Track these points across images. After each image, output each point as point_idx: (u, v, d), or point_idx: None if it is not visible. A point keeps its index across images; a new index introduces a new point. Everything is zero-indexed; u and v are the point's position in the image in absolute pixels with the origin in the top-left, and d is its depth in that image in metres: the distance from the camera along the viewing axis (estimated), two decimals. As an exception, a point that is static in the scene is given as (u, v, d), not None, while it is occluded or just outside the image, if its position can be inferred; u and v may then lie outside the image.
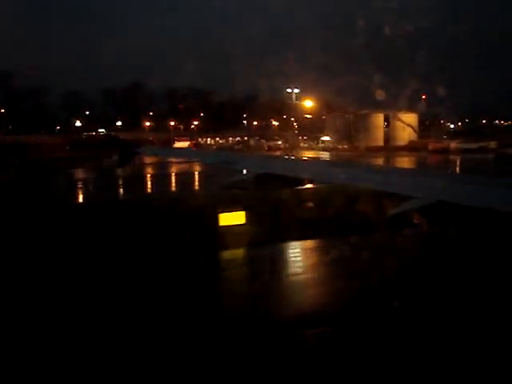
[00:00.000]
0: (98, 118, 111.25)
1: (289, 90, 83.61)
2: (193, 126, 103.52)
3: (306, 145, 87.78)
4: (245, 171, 7.77)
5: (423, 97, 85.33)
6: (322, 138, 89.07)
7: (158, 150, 26.64)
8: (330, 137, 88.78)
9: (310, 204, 24.14)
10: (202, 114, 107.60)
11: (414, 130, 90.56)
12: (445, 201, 4.67)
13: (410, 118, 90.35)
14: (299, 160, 22.05)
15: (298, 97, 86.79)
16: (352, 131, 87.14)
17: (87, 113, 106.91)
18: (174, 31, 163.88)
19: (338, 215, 20.63)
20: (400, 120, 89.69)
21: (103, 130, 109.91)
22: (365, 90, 73.47)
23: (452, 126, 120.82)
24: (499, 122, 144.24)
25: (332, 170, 7.75)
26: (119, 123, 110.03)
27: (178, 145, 77.48)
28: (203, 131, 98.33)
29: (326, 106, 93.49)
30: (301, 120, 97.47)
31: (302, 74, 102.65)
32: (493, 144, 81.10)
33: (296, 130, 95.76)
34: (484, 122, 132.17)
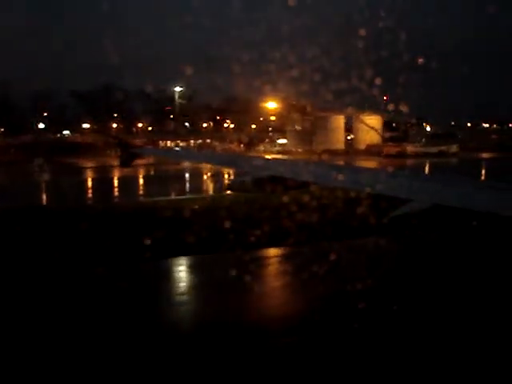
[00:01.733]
0: (68, 121, 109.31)
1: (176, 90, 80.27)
2: (150, 128, 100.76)
3: (262, 148, 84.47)
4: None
5: (385, 98, 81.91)
6: (278, 141, 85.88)
7: (159, 151, 26.83)
8: (287, 139, 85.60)
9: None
10: (171, 116, 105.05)
11: (378, 133, 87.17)
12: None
13: (374, 120, 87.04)
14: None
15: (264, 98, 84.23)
16: (311, 133, 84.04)
17: (45, 114, 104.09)
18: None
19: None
20: (363, 122, 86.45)
21: (68, 133, 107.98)
22: (332, 92, 70.21)
23: (429, 128, 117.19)
24: (483, 125, 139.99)
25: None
26: (87, 125, 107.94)
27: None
28: (164, 134, 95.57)
29: (292, 108, 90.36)
30: (264, 122, 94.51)
31: (267, 75, 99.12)
32: (454, 148, 77.78)
33: (256, 131, 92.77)
34: (469, 125, 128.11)
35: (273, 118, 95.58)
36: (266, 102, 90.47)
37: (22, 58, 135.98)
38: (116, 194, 37.36)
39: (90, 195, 37.54)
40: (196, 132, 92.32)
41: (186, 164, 46.38)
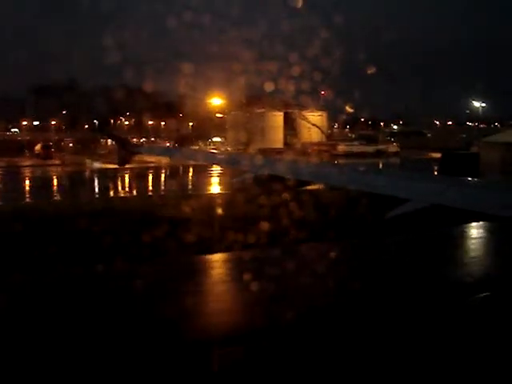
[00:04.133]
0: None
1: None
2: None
3: (197, 146, 79.46)
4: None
5: (322, 92, 76.64)
6: (213, 139, 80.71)
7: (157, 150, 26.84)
8: (222, 138, 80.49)
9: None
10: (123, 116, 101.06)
11: (322, 131, 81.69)
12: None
13: (317, 117, 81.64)
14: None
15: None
16: (249, 132, 78.86)
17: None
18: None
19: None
20: (305, 119, 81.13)
21: (16, 130, 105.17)
22: (274, 88, 65.39)
23: (395, 127, 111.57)
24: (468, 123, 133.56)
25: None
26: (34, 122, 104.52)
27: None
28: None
29: (232, 104, 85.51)
30: (205, 120, 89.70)
31: (211, 70, 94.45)
32: (394, 147, 72.12)
33: (197, 129, 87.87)
34: (438, 123, 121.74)
35: (219, 115, 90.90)
36: (211, 98, 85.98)
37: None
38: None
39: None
40: (140, 129, 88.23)
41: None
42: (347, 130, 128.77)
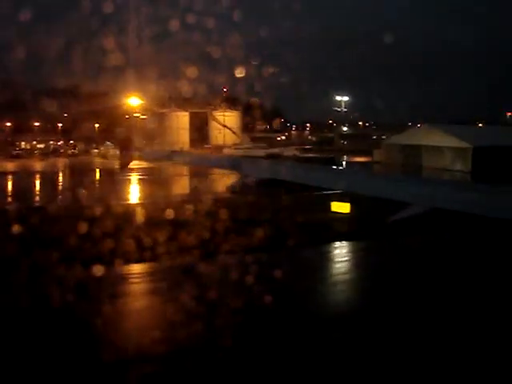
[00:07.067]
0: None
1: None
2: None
3: (96, 150, 75.01)
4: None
5: (224, 89, 71.98)
6: (107, 144, 75.92)
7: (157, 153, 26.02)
8: (112, 142, 75.98)
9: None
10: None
11: (233, 132, 76.88)
12: None
13: (229, 117, 76.91)
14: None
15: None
16: (151, 133, 74.73)
17: None
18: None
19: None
20: (215, 120, 76.57)
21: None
22: (184, 87, 61.48)
23: (345, 128, 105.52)
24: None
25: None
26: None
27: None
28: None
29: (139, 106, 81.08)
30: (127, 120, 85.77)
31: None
32: (291, 150, 66.70)
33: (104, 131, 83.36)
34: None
35: (137, 115, 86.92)
36: (124, 99, 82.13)
37: None
38: None
39: None
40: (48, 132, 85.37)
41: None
42: (307, 132, 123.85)
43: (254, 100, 71.32)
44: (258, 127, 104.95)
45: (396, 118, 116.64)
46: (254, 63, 58.70)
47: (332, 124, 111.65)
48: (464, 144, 49.60)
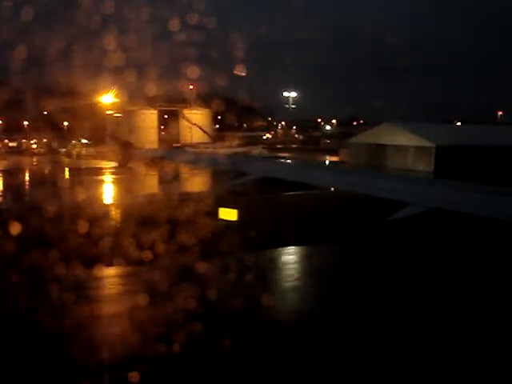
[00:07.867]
0: None
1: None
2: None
3: (64, 149, 72.64)
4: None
5: (191, 87, 69.62)
6: (82, 141, 73.79)
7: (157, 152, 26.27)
8: (87, 139, 73.91)
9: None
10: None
11: (203, 131, 74.52)
12: None
13: (198, 115, 74.57)
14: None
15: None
16: (119, 132, 72.41)
17: None
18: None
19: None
20: (185, 118, 74.23)
21: None
22: (150, 84, 59.30)
23: (328, 127, 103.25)
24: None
25: None
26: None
27: None
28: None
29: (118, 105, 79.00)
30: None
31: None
32: (258, 149, 64.56)
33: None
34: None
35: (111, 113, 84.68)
36: (98, 96, 79.97)
37: None
38: None
39: None
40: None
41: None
42: (293, 130, 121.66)
43: (240, 98, 69.45)
44: (245, 126, 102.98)
45: (391, 117, 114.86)
46: (238, 61, 57.15)
47: (319, 123, 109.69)
48: (427, 143, 47.16)
